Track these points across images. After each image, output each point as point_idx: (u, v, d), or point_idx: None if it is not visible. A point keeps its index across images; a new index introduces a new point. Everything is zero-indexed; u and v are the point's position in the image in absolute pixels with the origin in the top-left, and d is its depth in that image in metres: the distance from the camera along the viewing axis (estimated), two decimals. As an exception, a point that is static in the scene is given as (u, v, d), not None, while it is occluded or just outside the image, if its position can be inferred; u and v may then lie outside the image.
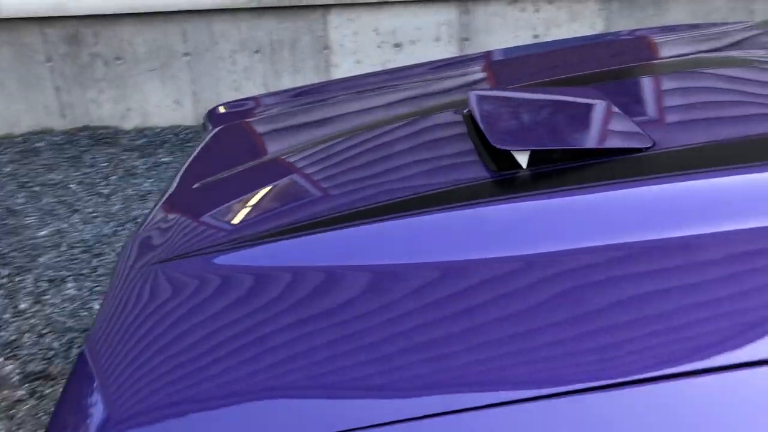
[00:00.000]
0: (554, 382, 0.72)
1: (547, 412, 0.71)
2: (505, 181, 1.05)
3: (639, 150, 1.04)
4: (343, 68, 3.94)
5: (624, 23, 3.86)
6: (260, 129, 1.72)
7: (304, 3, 3.76)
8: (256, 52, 3.89)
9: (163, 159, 3.63)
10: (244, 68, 3.92)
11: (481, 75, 1.76)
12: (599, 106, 1.23)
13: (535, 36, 3.88)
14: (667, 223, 0.88)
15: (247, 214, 1.18)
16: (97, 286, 2.56)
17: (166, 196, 1.43)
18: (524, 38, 3.89)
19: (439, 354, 0.78)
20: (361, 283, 0.92)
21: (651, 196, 0.94)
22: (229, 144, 1.66)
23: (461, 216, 0.98)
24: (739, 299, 0.77)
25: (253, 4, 3.74)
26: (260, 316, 0.91)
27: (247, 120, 1.79)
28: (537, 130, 1.14)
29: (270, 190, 1.26)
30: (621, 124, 1.14)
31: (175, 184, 1.49)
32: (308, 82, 3.94)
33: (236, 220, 1.17)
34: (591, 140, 1.08)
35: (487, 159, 1.13)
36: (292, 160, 1.38)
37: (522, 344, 0.77)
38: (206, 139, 1.74)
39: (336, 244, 1.01)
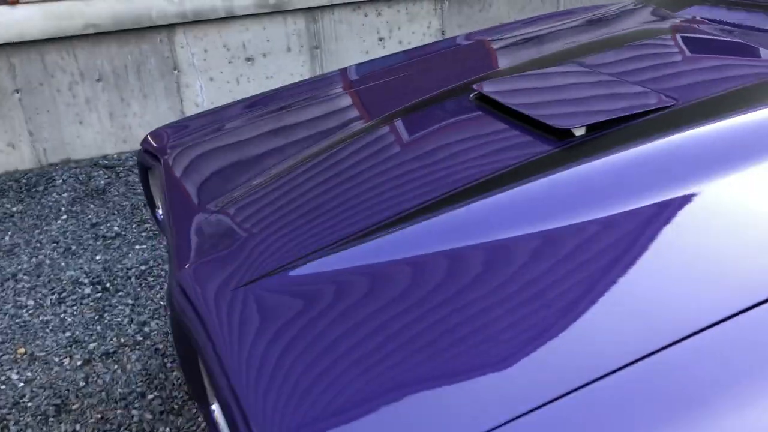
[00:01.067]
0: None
1: None
2: (574, 148, 1.15)
3: (664, 108, 1.20)
4: (195, 88, 3.81)
5: (455, 20, 4.16)
6: (227, 142, 1.66)
7: (146, 24, 3.58)
8: (98, 80, 3.62)
9: (13, 208, 3.26)
10: (86, 99, 3.64)
11: (475, 60, 1.85)
12: (608, 80, 1.38)
13: (380, 39, 4.05)
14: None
15: (313, 222, 1.17)
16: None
17: (185, 223, 1.34)
18: (370, 42, 4.04)
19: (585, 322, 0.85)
20: (480, 260, 0.97)
21: (689, 142, 1.09)
22: (212, 161, 1.59)
23: (559, 179, 1.06)
24: None
25: (90, 30, 3.49)
26: (389, 310, 0.92)
27: (210, 136, 1.72)
28: (584, 106, 1.26)
29: (317, 197, 1.24)
30: (638, 90, 1.30)
31: (174, 214, 1.40)
32: (160, 107, 3.76)
33: (304, 230, 1.15)
34: (626, 107, 1.22)
35: (538, 135, 1.23)
36: (319, 165, 1.37)
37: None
38: (171, 165, 1.64)
39: (437, 230, 1.04)
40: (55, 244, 2.89)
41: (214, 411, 1.18)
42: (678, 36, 1.64)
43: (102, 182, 3.46)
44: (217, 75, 3.84)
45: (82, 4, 3.46)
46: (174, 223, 1.36)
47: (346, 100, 1.73)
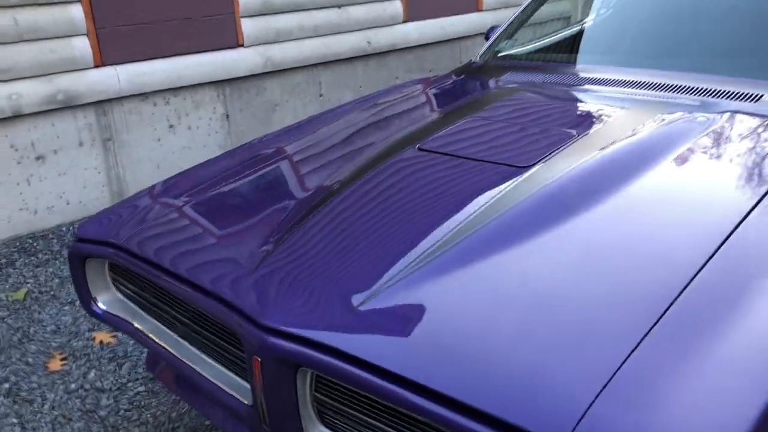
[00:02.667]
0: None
1: None
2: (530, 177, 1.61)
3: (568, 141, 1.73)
4: (-18, 194, 3.51)
5: (237, 104, 4.46)
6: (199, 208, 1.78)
7: None
8: None
9: None
10: None
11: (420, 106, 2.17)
12: (516, 128, 1.87)
13: (171, 126, 4.16)
14: None
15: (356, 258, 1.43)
16: None
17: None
18: (161, 129, 4.12)
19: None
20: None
21: None
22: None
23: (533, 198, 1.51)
24: None
25: None
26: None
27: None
28: (517, 148, 1.71)
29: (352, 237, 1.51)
30: (544, 132, 1.80)
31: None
32: (-59, 218, 3.38)
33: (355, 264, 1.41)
34: (552, 144, 1.71)
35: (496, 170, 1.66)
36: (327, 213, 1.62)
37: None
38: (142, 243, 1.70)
39: (478, 244, 1.41)
40: None
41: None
42: (516, 96, 2.23)
43: None
44: (5, 178, 3.58)
45: None
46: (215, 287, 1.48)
47: (288, 168, 1.97)
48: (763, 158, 1.66)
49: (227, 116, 4.43)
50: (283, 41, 4.58)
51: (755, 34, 2.31)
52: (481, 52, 2.88)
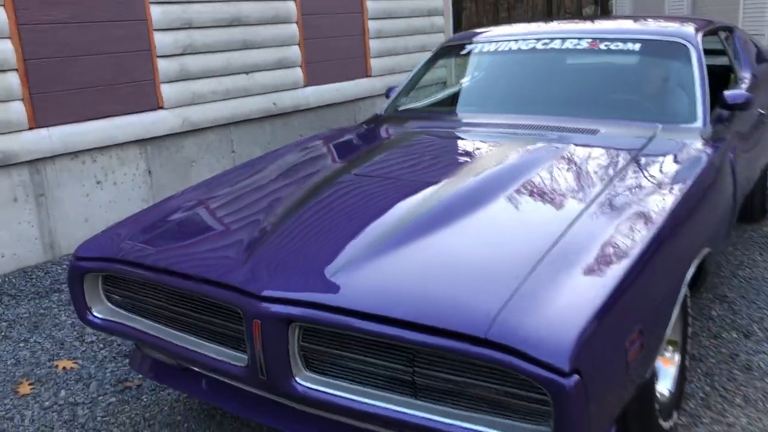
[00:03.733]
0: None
1: None
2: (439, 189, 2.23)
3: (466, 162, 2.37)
4: None
5: (158, 161, 4.85)
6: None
7: None
8: None
9: None
10: None
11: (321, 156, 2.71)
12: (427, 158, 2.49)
13: (98, 182, 4.49)
14: None
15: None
16: None
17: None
18: (89, 185, 4.45)
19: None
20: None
21: None
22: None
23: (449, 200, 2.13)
24: None
25: None
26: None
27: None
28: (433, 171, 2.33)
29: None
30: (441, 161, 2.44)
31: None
32: None
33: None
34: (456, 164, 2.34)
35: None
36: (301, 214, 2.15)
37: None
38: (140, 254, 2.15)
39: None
40: None
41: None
42: (418, 137, 2.87)
43: None
44: (-56, 232, 3.79)
45: None
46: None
47: (255, 190, 2.48)
48: (596, 172, 2.36)
49: (149, 172, 4.82)
50: (199, 104, 5.06)
51: (592, 88, 3.10)
52: (385, 107, 3.53)
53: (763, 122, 3.57)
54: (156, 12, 4.71)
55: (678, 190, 2.22)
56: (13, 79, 4.00)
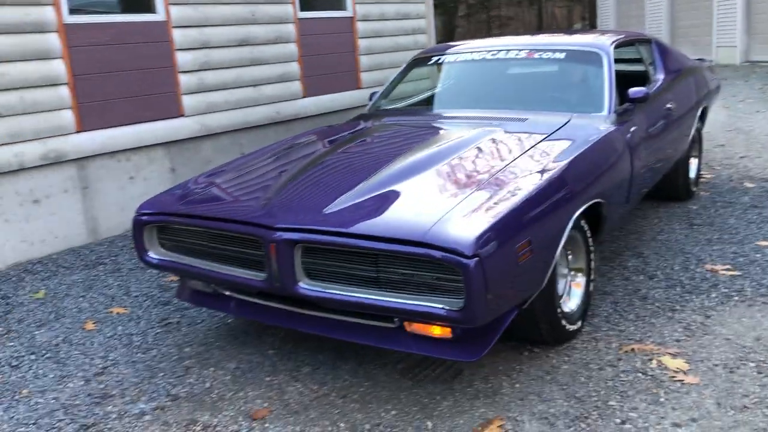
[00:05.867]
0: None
1: None
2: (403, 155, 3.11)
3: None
4: (-7, 229, 4.55)
5: (179, 160, 5.71)
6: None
7: (-48, 180, 4.29)
8: None
9: None
10: None
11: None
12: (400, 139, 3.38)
13: (131, 177, 5.35)
14: None
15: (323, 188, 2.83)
16: None
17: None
18: (124, 180, 5.31)
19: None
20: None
21: None
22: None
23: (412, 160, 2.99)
24: None
25: None
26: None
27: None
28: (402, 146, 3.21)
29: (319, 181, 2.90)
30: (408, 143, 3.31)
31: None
32: (-36, 248, 4.39)
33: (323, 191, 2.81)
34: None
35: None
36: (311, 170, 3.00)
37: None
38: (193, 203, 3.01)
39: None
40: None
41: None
42: (392, 126, 3.73)
43: (-62, 312, 3.98)
44: (11, 216, 4.64)
45: None
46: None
47: (271, 161, 3.34)
48: (516, 144, 3.22)
49: (173, 170, 5.68)
50: (214, 112, 5.94)
51: (526, 87, 3.99)
52: (369, 106, 4.41)
53: (674, 116, 4.43)
54: (177, 35, 5.60)
55: (573, 152, 3.08)
56: (65, 92, 4.88)
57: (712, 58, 15.68)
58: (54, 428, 2.73)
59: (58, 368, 3.24)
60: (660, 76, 4.55)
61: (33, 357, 3.37)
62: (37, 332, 3.66)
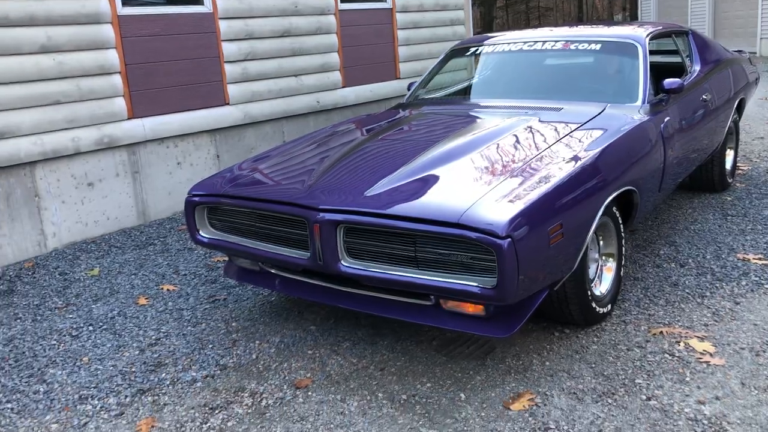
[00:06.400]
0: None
1: None
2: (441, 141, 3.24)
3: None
4: (51, 210, 4.81)
5: (224, 147, 5.93)
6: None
7: (15, 163, 4.56)
8: (-25, 210, 4.42)
9: (-63, 314, 3.88)
10: (-35, 226, 4.39)
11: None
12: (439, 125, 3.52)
13: (178, 163, 5.59)
14: None
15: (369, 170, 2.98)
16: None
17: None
18: (171, 165, 5.54)
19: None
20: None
21: None
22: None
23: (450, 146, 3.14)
24: None
25: (-28, 169, 4.35)
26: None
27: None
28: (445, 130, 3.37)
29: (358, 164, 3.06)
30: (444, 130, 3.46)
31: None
32: (25, 227, 4.67)
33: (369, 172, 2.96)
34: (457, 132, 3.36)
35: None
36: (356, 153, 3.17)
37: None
38: (241, 185, 3.20)
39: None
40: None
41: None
42: (429, 115, 3.87)
43: (2, 288, 4.25)
44: (67, 198, 4.91)
45: (-35, 149, 4.34)
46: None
47: (314, 147, 3.51)
48: (551, 133, 3.33)
49: (218, 156, 5.90)
50: (257, 101, 6.14)
51: (561, 78, 4.08)
52: (407, 96, 4.55)
53: (710, 107, 4.48)
54: (223, 26, 5.80)
55: (606, 140, 3.19)
56: (117, 80, 5.12)
57: (756, 49, 15.41)
58: (113, 392, 2.95)
59: (114, 339, 3.47)
60: (697, 68, 4.59)
61: (91, 328, 3.61)
62: (93, 306, 3.90)
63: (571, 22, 18.33)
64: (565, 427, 2.47)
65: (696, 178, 5.14)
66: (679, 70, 4.63)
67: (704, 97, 4.43)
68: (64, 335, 3.54)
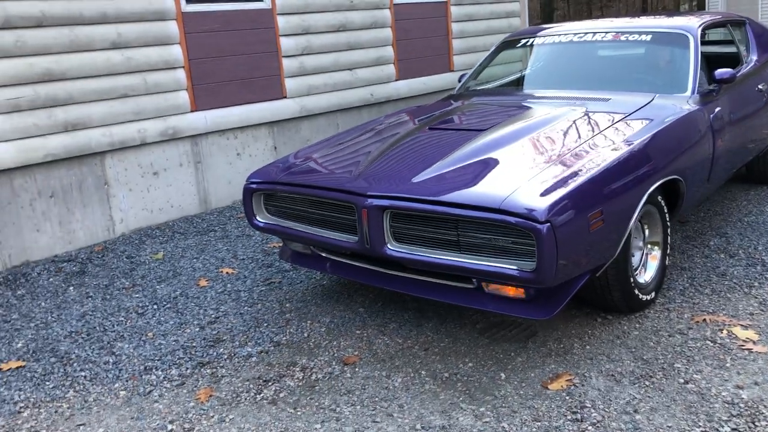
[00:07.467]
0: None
1: None
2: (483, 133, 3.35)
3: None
4: (119, 197, 5.12)
5: (281, 139, 6.15)
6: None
7: (86, 152, 4.87)
8: (51, 196, 4.75)
9: (17, 293, 4.20)
10: (42, 212, 4.71)
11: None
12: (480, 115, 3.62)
13: (238, 154, 5.83)
14: None
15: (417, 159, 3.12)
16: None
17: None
18: (231, 156, 5.79)
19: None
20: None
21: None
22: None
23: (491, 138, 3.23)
24: None
25: (49, 159, 4.67)
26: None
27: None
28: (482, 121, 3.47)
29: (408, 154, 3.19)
30: (486, 119, 3.55)
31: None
32: (95, 213, 4.98)
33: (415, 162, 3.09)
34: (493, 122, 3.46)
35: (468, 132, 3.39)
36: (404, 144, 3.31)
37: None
38: (296, 173, 3.38)
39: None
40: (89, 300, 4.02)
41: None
42: (480, 105, 3.96)
43: (75, 269, 4.56)
44: (134, 186, 5.20)
45: (42, 139, 4.65)
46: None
47: (365, 138, 3.66)
48: (599, 122, 3.38)
49: (275, 147, 6.12)
50: (313, 94, 6.33)
51: (610, 69, 4.10)
52: (458, 87, 4.65)
53: (766, 97, 4.41)
54: (281, 21, 6.01)
55: (651, 129, 3.22)
56: (181, 75, 5.38)
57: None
58: (175, 364, 3.17)
59: (176, 316, 3.70)
60: (753, 58, 4.53)
61: (155, 307, 3.85)
62: (157, 287, 4.15)
63: (632, 13, 17.96)
64: (601, 406, 2.55)
65: (752, 169, 5.07)
66: (733, 60, 4.58)
67: (760, 87, 4.37)
68: (131, 312, 3.80)
